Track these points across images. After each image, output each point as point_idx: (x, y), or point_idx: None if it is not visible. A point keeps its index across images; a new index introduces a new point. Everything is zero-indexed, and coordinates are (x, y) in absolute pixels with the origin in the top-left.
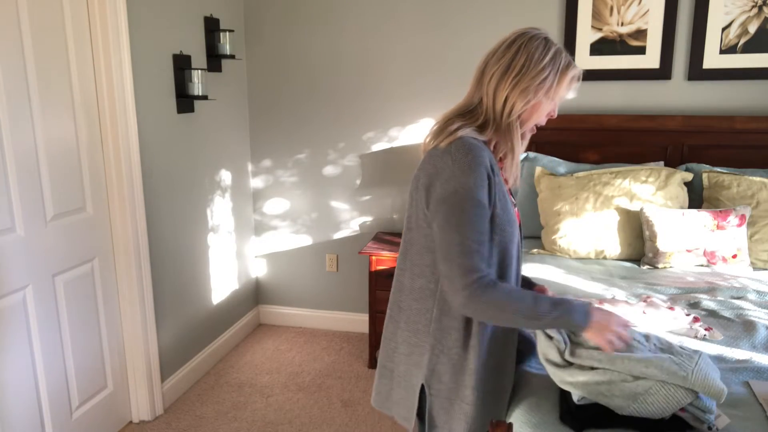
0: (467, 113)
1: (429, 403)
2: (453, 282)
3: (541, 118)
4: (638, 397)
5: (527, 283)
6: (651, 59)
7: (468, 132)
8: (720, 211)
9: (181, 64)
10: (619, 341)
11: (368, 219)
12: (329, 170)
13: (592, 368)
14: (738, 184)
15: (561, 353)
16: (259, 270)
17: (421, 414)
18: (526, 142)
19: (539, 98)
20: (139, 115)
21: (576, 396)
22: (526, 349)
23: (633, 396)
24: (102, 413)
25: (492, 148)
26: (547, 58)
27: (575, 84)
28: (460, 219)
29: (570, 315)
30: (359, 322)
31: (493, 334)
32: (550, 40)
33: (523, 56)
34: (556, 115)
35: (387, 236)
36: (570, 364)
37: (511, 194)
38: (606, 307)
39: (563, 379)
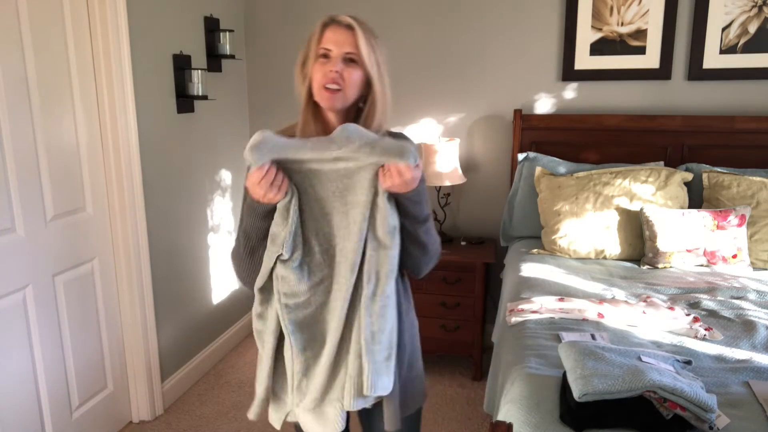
0: None
1: None
2: None
3: (320, 78)
4: None
5: None
6: (651, 59)
7: (279, 130)
8: (720, 211)
9: (181, 64)
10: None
11: None
12: None
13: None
14: (738, 184)
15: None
16: None
17: None
18: (337, 113)
19: (310, 63)
20: (139, 115)
21: (577, 394)
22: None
23: None
24: (102, 413)
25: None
26: (309, 35)
27: (329, 29)
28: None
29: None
30: None
31: None
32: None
33: None
34: (336, 68)
35: None
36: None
37: None
38: (606, 307)
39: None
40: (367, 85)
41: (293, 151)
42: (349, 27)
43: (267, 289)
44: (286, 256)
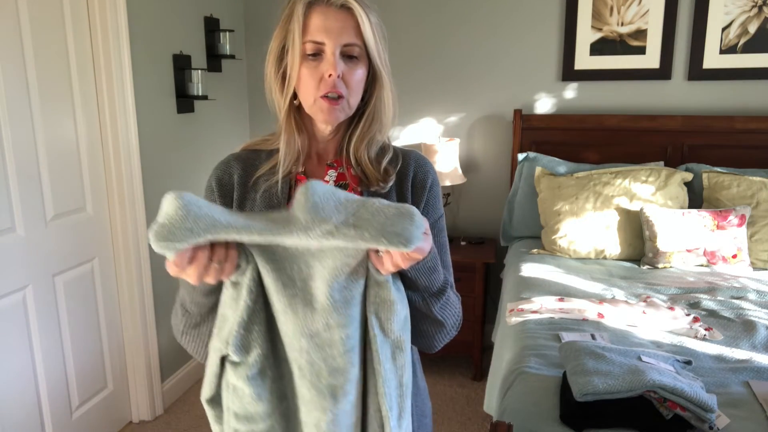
0: None
1: None
2: None
3: (313, 86)
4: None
5: None
6: (651, 59)
7: (245, 145)
8: (720, 211)
9: (181, 64)
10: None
11: None
12: None
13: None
14: (738, 184)
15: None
16: None
17: None
18: (329, 122)
19: (292, 61)
20: (139, 115)
21: (577, 394)
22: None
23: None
24: (102, 413)
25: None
26: (284, 15)
27: (316, 13)
28: None
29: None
30: None
31: None
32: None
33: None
34: (337, 71)
35: None
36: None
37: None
38: (606, 307)
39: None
40: (369, 81)
41: (228, 231)
42: (345, 7)
43: (219, 401)
44: (234, 358)
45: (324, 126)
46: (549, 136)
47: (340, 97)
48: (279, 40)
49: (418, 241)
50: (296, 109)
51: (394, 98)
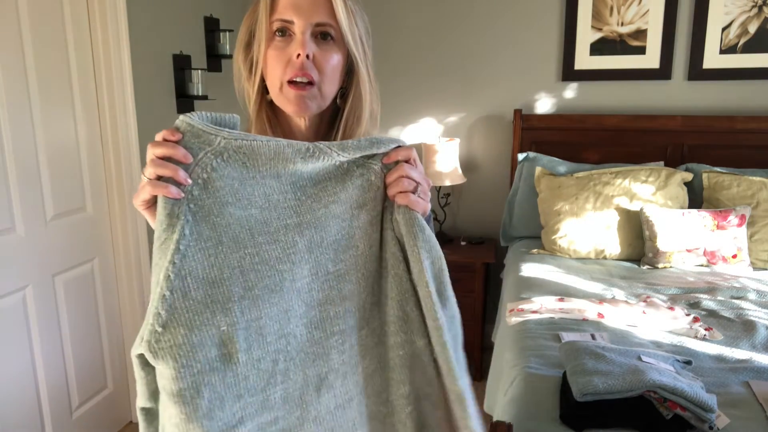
0: None
1: None
2: None
3: (280, 69)
4: None
5: None
6: (651, 59)
7: None
8: (720, 211)
9: (181, 64)
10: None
11: None
12: None
13: None
14: (738, 184)
15: None
16: None
17: None
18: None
19: (259, 43)
20: (139, 115)
21: (577, 394)
22: None
23: None
24: (102, 413)
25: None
26: (253, 1)
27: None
28: None
29: None
30: None
31: None
32: None
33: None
34: (305, 50)
35: None
36: None
37: None
38: (606, 307)
39: None
40: (347, 72)
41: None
42: None
43: (155, 415)
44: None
45: (298, 120)
46: (549, 136)
47: (310, 83)
48: (247, 25)
49: (402, 142)
50: (269, 106)
51: (374, 94)
